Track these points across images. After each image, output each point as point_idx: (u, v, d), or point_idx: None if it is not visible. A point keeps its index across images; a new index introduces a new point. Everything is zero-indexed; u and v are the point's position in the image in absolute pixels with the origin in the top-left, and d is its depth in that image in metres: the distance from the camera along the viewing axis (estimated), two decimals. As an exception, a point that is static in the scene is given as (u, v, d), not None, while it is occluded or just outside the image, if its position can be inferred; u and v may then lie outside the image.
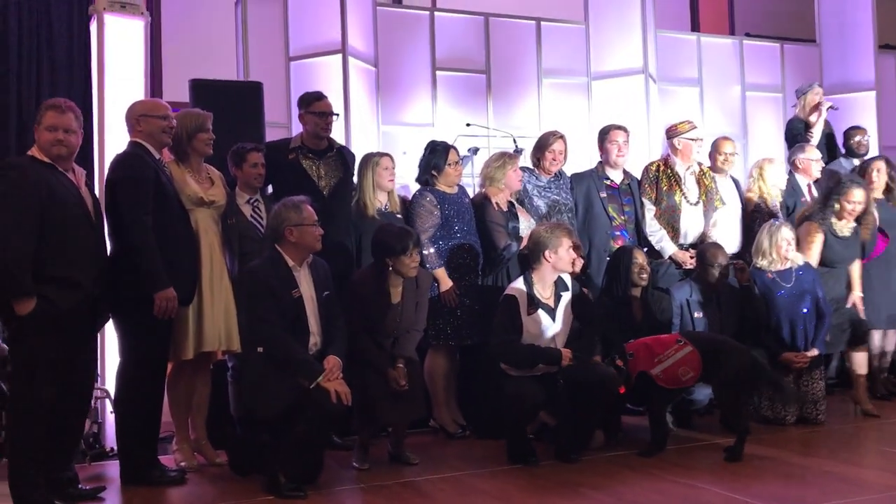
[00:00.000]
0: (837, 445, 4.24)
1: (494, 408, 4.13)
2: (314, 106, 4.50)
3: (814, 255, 4.90)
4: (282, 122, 5.82)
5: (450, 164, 4.62)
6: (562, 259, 3.99)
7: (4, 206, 3.23)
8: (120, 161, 3.73)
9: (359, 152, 5.55)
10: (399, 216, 4.62)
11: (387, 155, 4.71)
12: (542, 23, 7.06)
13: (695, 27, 9.17)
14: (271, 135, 5.43)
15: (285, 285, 3.65)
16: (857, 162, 6.05)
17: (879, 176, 5.49)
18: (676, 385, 4.06)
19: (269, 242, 3.79)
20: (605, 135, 5.22)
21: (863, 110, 7.75)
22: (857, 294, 5.00)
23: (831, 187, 5.00)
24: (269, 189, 4.55)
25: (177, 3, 7.42)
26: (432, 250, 4.49)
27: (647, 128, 6.81)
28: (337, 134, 5.39)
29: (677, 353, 4.02)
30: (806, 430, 4.56)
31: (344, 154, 4.63)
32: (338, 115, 4.61)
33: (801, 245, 4.88)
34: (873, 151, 6.52)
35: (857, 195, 4.89)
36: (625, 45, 7.01)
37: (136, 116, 3.79)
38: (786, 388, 4.41)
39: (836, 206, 4.91)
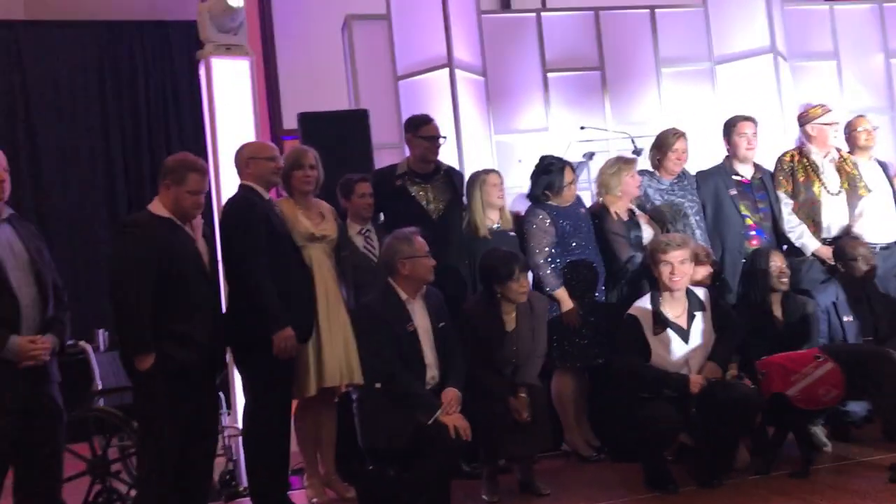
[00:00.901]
0: None
1: (629, 431, 3.92)
2: (422, 130, 4.44)
3: None
4: (394, 143, 5.81)
5: (565, 186, 4.42)
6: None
7: (127, 263, 3.32)
8: (231, 206, 3.78)
9: (472, 165, 5.48)
10: (513, 234, 4.47)
11: (494, 171, 4.58)
12: (657, 10, 6.72)
13: (826, -4, 8.50)
14: (383, 157, 5.43)
15: (399, 319, 3.60)
16: None
17: None
18: (817, 406, 3.74)
19: (383, 276, 3.74)
20: (731, 127, 4.86)
21: None
22: None
23: None
24: (381, 217, 4.52)
25: (289, 36, 7.58)
26: (549, 271, 4.31)
27: (780, 110, 6.35)
28: (449, 148, 5.33)
29: (816, 370, 3.67)
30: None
31: (452, 175, 4.54)
32: (445, 137, 4.52)
33: None
34: None
35: None
36: (749, 23, 6.58)
37: (245, 159, 3.82)
38: None
39: None
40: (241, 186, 3.84)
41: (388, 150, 5.60)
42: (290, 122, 7.05)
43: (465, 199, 4.53)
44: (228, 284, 3.74)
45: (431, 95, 5.79)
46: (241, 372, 3.83)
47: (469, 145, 5.77)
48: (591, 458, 4.35)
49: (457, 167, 5.09)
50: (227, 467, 4.34)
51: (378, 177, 4.50)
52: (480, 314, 3.81)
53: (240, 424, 4.34)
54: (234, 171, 3.91)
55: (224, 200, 4.03)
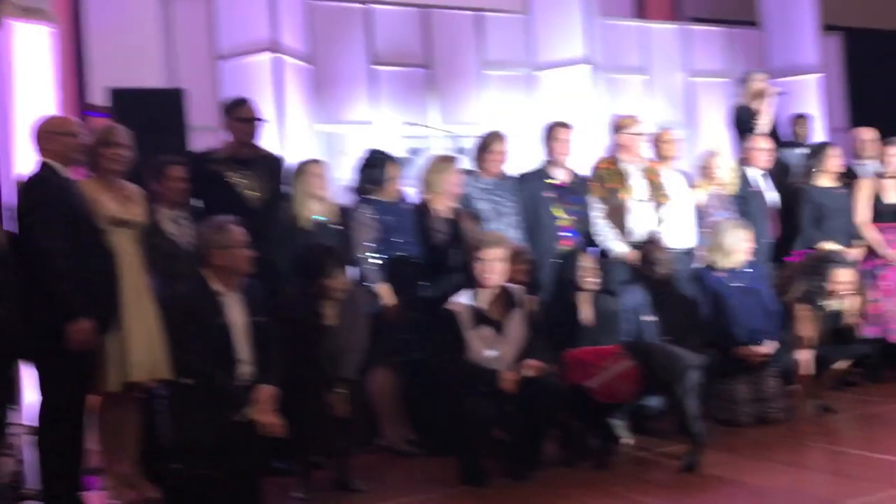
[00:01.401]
0: (791, 447, 4.13)
1: (445, 426, 3.95)
2: (237, 112, 4.25)
3: (811, 339, 4.68)
4: (212, 125, 5.55)
5: (389, 180, 4.39)
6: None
7: None
8: (26, 185, 3.45)
9: (294, 155, 5.33)
10: (335, 226, 4.39)
11: (318, 161, 4.47)
12: (483, 13, 6.87)
13: (638, 14, 9.03)
14: (201, 140, 5.17)
15: (212, 313, 3.41)
16: (799, 151, 5.98)
17: (833, 162, 5.44)
18: (615, 399, 3.90)
19: (196, 266, 3.54)
20: (548, 132, 5.05)
21: (806, 94, 7.73)
22: None
23: (813, 268, 4.78)
24: (198, 203, 4.29)
25: (100, 7, 7.04)
26: (371, 265, 4.27)
27: (594, 118, 6.66)
28: (271, 135, 5.16)
29: (616, 365, 3.84)
30: (761, 430, 4.45)
31: (273, 163, 4.38)
32: (264, 120, 4.34)
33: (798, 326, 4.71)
34: (819, 134, 6.48)
35: (844, 275, 4.66)
36: (568, 33, 6.88)
37: (44, 134, 3.50)
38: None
39: (824, 284, 4.67)
40: (38, 163, 3.52)
41: (206, 133, 5.34)
42: (97, 96, 6.56)
43: (286, 188, 4.39)
44: (22, 269, 3.41)
45: (254, 79, 5.61)
46: (33, 365, 3.50)
47: (292, 133, 5.63)
48: (407, 453, 4.35)
49: (279, 154, 4.93)
50: (12, 468, 3.96)
51: (193, 160, 4.27)
52: (299, 308, 3.70)
53: (28, 421, 4.00)
54: (32, 146, 3.57)
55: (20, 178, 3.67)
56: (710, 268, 4.75)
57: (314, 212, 4.35)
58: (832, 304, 4.67)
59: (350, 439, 3.73)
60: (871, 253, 5.48)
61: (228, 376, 3.41)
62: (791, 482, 3.50)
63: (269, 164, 4.35)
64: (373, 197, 4.41)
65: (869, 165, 5.87)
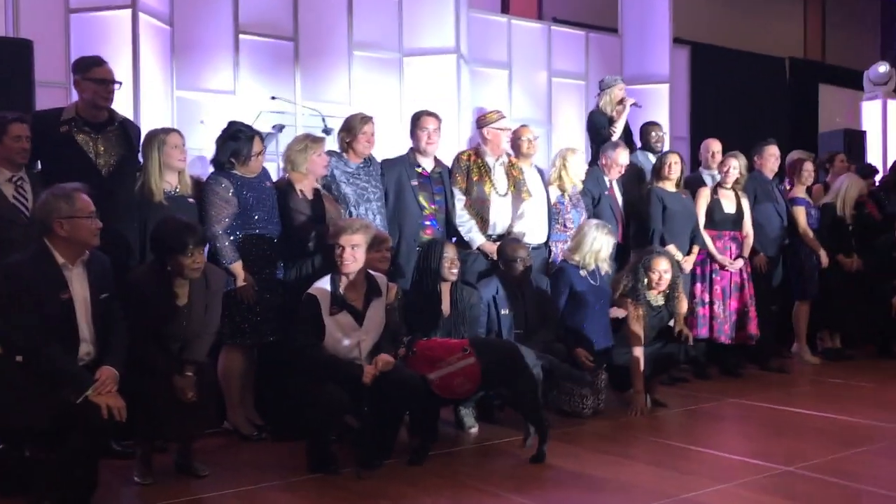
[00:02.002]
0: (627, 441, 4.36)
1: (295, 411, 3.89)
2: (92, 72, 3.96)
3: (638, 337, 4.86)
4: (61, 82, 5.18)
5: (252, 156, 4.25)
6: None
7: None
8: None
9: (149, 120, 5.08)
10: (191, 200, 4.21)
11: (175, 131, 4.26)
12: (355, -8, 6.75)
13: (505, 9, 9.19)
14: (47, 97, 4.84)
15: (52, 286, 3.17)
16: (652, 157, 6.28)
17: (675, 168, 5.76)
18: (450, 395, 3.95)
19: (36, 234, 3.28)
20: (415, 121, 5.04)
21: (657, 102, 8.11)
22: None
23: (636, 263, 5.00)
24: (39, 166, 3.99)
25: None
26: (227, 243, 4.13)
27: (457, 110, 6.72)
28: (124, 99, 4.88)
29: (459, 361, 3.85)
30: (599, 422, 4.66)
31: (127, 128, 4.11)
32: (120, 83, 4.07)
33: (628, 322, 4.90)
34: (666, 143, 6.82)
35: (662, 264, 4.92)
36: (438, 22, 6.86)
37: None
38: (579, 376, 4.46)
39: (645, 279, 4.90)
40: None
41: (54, 90, 4.98)
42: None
43: (140, 157, 4.16)
44: None
45: (109, 36, 5.27)
46: None
47: (148, 98, 5.34)
48: (253, 438, 4.26)
49: (133, 120, 4.67)
50: None
51: (39, 119, 3.95)
52: (149, 286, 3.50)
53: None
54: None
55: None
56: (573, 265, 4.91)
57: (169, 184, 4.16)
58: (652, 297, 4.93)
59: (197, 424, 3.58)
60: (708, 258, 5.86)
61: (69, 355, 3.19)
62: (627, 475, 3.69)
63: (123, 131, 4.08)
64: (233, 171, 4.26)
65: (715, 175, 6.26)
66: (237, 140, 4.24)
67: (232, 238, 4.17)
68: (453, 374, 3.85)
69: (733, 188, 6.01)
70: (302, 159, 4.44)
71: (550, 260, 5.32)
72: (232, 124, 4.36)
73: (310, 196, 4.46)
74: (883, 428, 4.40)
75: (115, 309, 3.38)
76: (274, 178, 4.62)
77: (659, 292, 4.93)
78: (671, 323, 5.01)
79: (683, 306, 5.12)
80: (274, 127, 5.44)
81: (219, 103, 5.98)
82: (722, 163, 6.07)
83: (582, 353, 4.68)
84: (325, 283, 3.81)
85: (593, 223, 5.01)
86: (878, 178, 7.69)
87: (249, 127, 4.39)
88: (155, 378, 3.42)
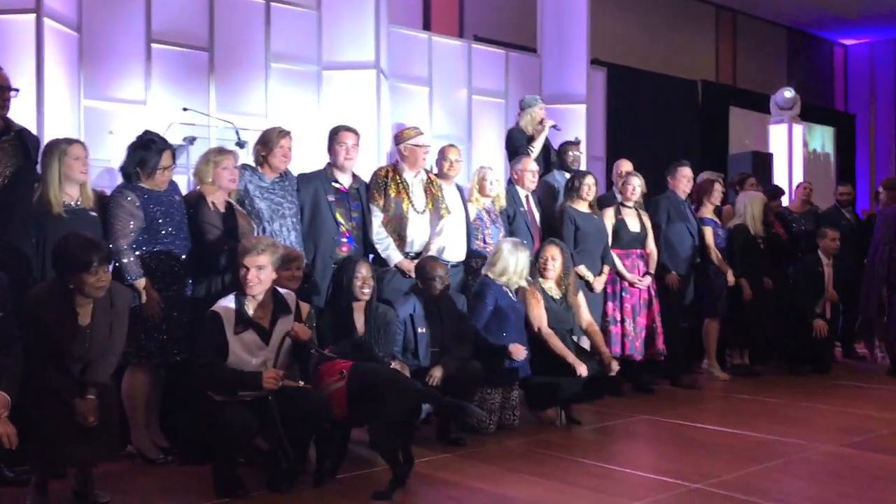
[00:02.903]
0: (538, 458, 4.35)
1: (202, 434, 3.75)
2: (-14, 78, 3.76)
3: (540, 317, 4.97)
4: (-46, 87, 4.91)
5: (159, 169, 4.11)
6: None
7: None
8: None
9: (53, 129, 4.88)
10: (93, 213, 4.04)
11: (77, 142, 4.09)
12: (272, 3, 6.65)
13: (427, 25, 9.21)
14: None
15: (-61, 304, 2.99)
16: (567, 175, 6.35)
17: (590, 189, 5.85)
18: (335, 417, 3.76)
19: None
20: (333, 136, 4.97)
21: (574, 122, 8.24)
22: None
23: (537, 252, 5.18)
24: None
25: None
26: (132, 258, 3.98)
27: (377, 125, 6.68)
28: (27, 107, 4.67)
29: (332, 385, 3.71)
30: (507, 438, 4.67)
31: (25, 138, 3.88)
32: (17, 90, 3.87)
33: (528, 309, 4.97)
34: (583, 163, 6.92)
35: (549, 250, 5.11)
36: (357, 36, 6.83)
37: None
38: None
39: (537, 265, 5.09)
40: None
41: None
42: None
43: (39, 168, 3.96)
44: None
45: (11, 41, 5.05)
46: None
47: (53, 107, 5.12)
48: (159, 461, 4.10)
49: (34, 130, 4.46)
50: None
51: (-72, 129, 3.73)
52: (49, 305, 3.32)
53: None
54: None
55: None
56: (495, 282, 4.91)
57: (70, 197, 3.98)
58: (547, 287, 5.09)
59: (98, 450, 3.41)
60: (617, 277, 5.96)
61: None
62: (539, 494, 3.68)
63: (20, 140, 3.86)
64: (140, 184, 4.11)
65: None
66: (147, 150, 4.10)
67: (137, 253, 4.02)
68: (329, 395, 3.71)
69: (635, 206, 6.14)
70: (208, 171, 4.32)
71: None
72: (146, 133, 4.23)
73: (222, 209, 4.33)
74: (788, 443, 4.53)
75: (9, 329, 3.19)
76: (184, 191, 4.48)
77: (552, 280, 5.10)
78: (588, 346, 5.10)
79: (580, 303, 5.25)
80: (185, 139, 5.29)
81: (129, 113, 5.80)
82: (624, 182, 6.18)
83: (516, 349, 4.71)
84: (229, 301, 3.70)
85: (509, 244, 5.01)
86: (783, 199, 7.98)
87: (164, 139, 4.25)
88: (54, 402, 3.24)
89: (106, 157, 5.23)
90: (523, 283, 4.98)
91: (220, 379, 3.59)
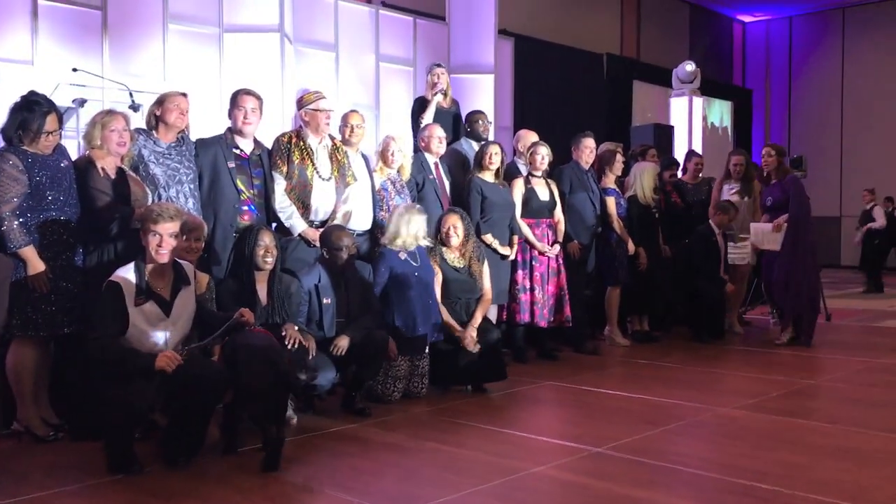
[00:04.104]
0: (448, 426, 4.36)
1: (95, 409, 3.59)
2: None
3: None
4: None
5: (46, 133, 3.87)
6: None
7: None
8: None
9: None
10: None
11: None
12: (169, -39, 6.37)
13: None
14: None
15: None
16: (475, 145, 6.34)
17: (495, 159, 5.85)
18: None
19: None
20: (233, 100, 4.78)
21: (482, 92, 8.23)
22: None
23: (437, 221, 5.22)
24: None
25: None
26: (15, 225, 3.75)
27: (281, 90, 6.51)
28: None
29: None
30: (414, 406, 4.68)
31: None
32: None
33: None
34: (490, 133, 6.92)
35: (450, 219, 5.14)
36: (260, -2, 6.60)
37: None
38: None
39: (439, 237, 5.15)
40: None
41: None
42: None
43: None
44: None
45: None
46: None
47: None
48: (48, 438, 3.91)
49: None
50: None
51: None
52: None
53: None
54: None
55: None
56: (392, 250, 4.87)
57: (-53, 161, 3.72)
58: (449, 257, 5.12)
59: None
60: (526, 245, 6.01)
61: None
62: (446, 461, 3.68)
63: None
64: (24, 148, 3.87)
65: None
66: (31, 112, 3.85)
67: (22, 220, 3.79)
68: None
69: (543, 176, 6.19)
70: (95, 135, 4.10)
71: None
72: (31, 94, 3.96)
73: (112, 175, 4.12)
74: (686, 406, 4.67)
75: None
76: (74, 156, 4.24)
77: (454, 250, 5.12)
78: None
79: (484, 271, 5.25)
80: (75, 101, 5.01)
81: (14, 73, 5.48)
82: (532, 152, 6.20)
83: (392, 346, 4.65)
84: (128, 272, 3.54)
85: (401, 208, 5.01)
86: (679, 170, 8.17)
87: (50, 101, 3.99)
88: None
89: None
90: (424, 244, 4.94)
91: (114, 356, 3.44)
